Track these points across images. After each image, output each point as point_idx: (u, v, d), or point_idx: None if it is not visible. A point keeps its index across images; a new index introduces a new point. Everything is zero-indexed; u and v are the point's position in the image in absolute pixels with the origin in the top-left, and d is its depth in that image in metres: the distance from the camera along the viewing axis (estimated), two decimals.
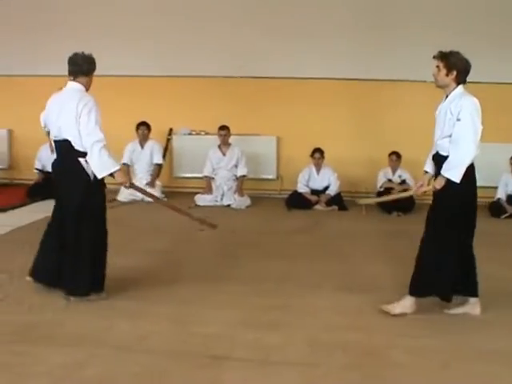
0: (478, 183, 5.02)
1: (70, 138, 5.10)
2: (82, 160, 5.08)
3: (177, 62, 11.23)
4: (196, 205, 10.20)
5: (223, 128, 10.50)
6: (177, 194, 10.96)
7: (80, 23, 11.24)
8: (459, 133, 4.80)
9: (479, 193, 5.04)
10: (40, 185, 10.31)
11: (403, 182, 10.15)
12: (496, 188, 9.88)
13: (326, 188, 10.36)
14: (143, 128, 10.78)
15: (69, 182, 5.20)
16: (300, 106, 11.11)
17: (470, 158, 4.81)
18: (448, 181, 4.83)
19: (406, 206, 9.49)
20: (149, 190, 10.47)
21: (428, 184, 5.21)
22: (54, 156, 5.34)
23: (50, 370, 3.90)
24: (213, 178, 10.68)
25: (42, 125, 5.44)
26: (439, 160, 4.97)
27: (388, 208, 9.56)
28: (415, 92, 10.34)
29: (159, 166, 10.98)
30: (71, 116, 5.04)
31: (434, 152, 5.11)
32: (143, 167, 10.87)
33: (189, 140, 11.55)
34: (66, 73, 5.24)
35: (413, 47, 10.20)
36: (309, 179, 10.46)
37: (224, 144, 10.66)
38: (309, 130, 10.94)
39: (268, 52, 11.03)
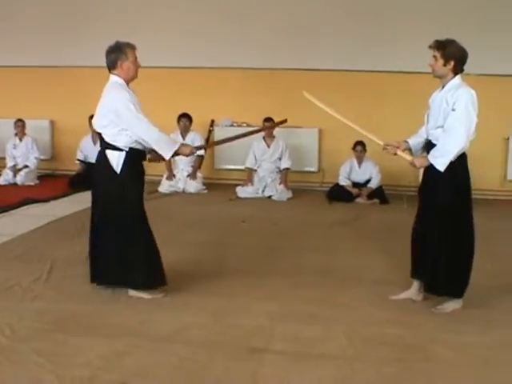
0: None
1: (99, 130, 5.13)
2: (108, 152, 5.06)
3: (219, 53, 11.23)
4: (237, 196, 10.23)
5: (268, 120, 10.39)
6: (218, 186, 11.02)
7: (121, 15, 11.34)
8: (452, 123, 4.75)
9: None
10: (82, 175, 10.36)
11: None
12: None
13: (368, 181, 10.29)
14: (184, 120, 10.80)
15: (98, 174, 5.22)
16: (342, 98, 10.96)
17: (458, 149, 4.74)
18: (447, 171, 4.77)
19: None
20: (189, 181, 10.66)
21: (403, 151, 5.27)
22: (97, 147, 5.35)
23: (90, 361, 3.92)
24: (255, 170, 10.69)
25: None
26: (431, 149, 4.94)
27: None
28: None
29: (201, 157, 10.97)
30: (104, 109, 5.06)
31: (426, 140, 5.12)
32: (185, 159, 10.85)
33: (230, 132, 11.42)
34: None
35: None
36: (350, 172, 10.40)
37: (269, 136, 10.65)
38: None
39: (313, 44, 11.03)
